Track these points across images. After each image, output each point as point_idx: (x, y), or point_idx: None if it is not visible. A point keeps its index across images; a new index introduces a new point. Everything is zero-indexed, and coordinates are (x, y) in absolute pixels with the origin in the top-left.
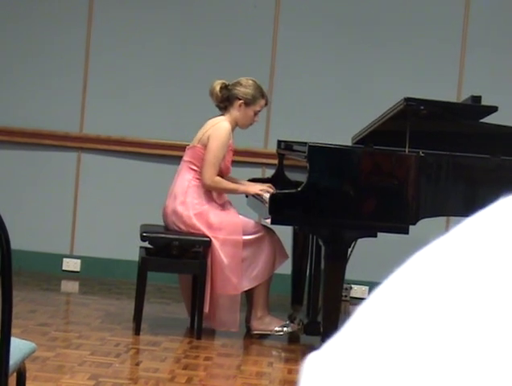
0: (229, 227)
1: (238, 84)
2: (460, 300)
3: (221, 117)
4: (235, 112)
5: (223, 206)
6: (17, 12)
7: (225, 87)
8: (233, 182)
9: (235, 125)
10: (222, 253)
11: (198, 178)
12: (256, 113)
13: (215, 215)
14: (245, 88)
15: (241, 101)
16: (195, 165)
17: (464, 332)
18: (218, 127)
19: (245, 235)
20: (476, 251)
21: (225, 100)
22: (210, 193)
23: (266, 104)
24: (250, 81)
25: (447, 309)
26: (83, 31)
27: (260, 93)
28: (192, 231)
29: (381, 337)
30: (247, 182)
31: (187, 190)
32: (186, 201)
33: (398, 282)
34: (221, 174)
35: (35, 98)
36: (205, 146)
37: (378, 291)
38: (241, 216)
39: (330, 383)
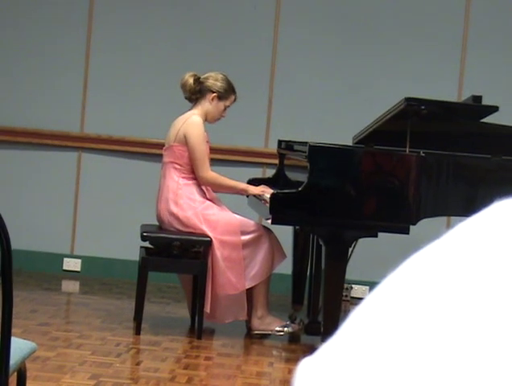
0: (227, 228)
1: (211, 77)
2: (458, 301)
3: (190, 112)
4: (207, 104)
5: (213, 201)
6: (18, 12)
7: (197, 79)
8: None
9: (205, 118)
10: (222, 253)
11: (185, 176)
12: (225, 108)
13: (212, 213)
14: (219, 82)
15: (214, 94)
16: (178, 164)
17: (461, 333)
18: (191, 123)
19: (242, 235)
20: (473, 252)
21: (196, 93)
22: (201, 189)
23: (235, 100)
24: (223, 76)
25: (444, 310)
26: (83, 31)
27: (232, 88)
28: (192, 231)
29: (377, 341)
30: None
31: (177, 191)
32: (179, 203)
33: (394, 285)
34: None
35: (36, 98)
36: (183, 144)
37: (373, 294)
38: (237, 216)
39: None
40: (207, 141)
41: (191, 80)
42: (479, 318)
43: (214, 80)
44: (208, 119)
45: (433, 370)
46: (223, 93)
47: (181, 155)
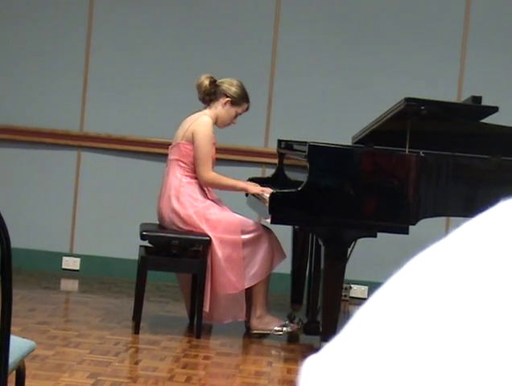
0: (227, 227)
1: (226, 82)
2: (462, 303)
3: (201, 112)
4: (219, 107)
5: (214, 202)
6: (18, 11)
7: (213, 82)
8: None
9: (215, 121)
10: (222, 253)
11: (188, 175)
12: (236, 115)
13: (213, 212)
14: (234, 87)
15: (228, 99)
16: (182, 162)
17: (465, 336)
18: (200, 122)
19: (242, 234)
20: (476, 254)
21: (210, 95)
22: (203, 189)
23: (247, 109)
24: (239, 82)
25: (448, 312)
26: (83, 30)
27: (246, 96)
28: (193, 229)
29: (382, 340)
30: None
31: (179, 189)
32: (181, 200)
33: (397, 286)
34: None
35: (36, 97)
36: (190, 142)
37: (378, 294)
38: (238, 215)
39: None
40: (214, 143)
41: (206, 82)
42: (485, 322)
43: (229, 85)
44: (218, 123)
45: (437, 370)
46: (236, 99)
47: (187, 153)
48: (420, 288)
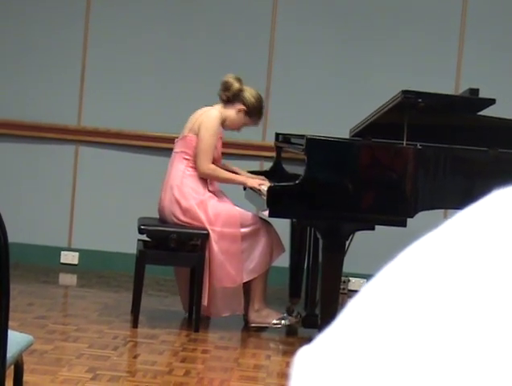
0: (227, 220)
1: (250, 92)
2: (455, 292)
3: (210, 107)
4: (232, 111)
5: (215, 194)
6: (15, 5)
7: (241, 86)
8: (232, 172)
9: (223, 121)
10: (220, 246)
11: (192, 167)
12: (243, 125)
13: (213, 205)
14: (254, 100)
15: (243, 107)
16: (187, 154)
17: (457, 325)
18: (208, 115)
19: (242, 227)
20: (470, 243)
21: (231, 96)
22: (205, 181)
23: (255, 124)
24: (260, 97)
25: (441, 302)
26: (81, 24)
27: (260, 112)
28: (191, 221)
29: (373, 331)
30: (246, 174)
31: (182, 180)
32: (183, 191)
33: (390, 275)
34: (213, 162)
35: (34, 91)
36: (197, 135)
37: (370, 285)
38: (238, 208)
39: (321, 379)
40: (220, 137)
41: (237, 85)
42: (477, 310)
43: (250, 95)
44: (225, 124)
45: (430, 365)
46: (251, 111)
47: (192, 146)
48: (413, 278)
